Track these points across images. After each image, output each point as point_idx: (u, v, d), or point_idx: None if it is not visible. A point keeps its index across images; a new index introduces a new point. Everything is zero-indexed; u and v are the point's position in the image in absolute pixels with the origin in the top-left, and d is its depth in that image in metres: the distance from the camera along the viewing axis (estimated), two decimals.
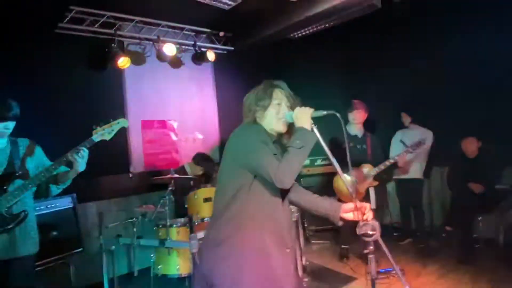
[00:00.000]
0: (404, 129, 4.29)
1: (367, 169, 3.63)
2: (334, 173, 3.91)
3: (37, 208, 3.19)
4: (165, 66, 4.66)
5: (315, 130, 1.54)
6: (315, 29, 4.64)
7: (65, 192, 3.38)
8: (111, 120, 2.16)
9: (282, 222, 1.55)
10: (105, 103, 4.11)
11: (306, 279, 3.31)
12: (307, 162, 5.08)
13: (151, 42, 4.49)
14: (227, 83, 5.27)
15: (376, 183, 3.67)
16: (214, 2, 3.68)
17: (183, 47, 4.80)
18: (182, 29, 4.73)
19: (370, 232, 1.40)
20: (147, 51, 4.51)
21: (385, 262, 3.53)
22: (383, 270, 3.39)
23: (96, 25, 4.03)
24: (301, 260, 3.35)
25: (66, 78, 3.86)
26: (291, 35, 4.79)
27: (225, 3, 3.76)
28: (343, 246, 4.00)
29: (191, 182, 3.80)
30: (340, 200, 3.44)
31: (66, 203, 3.45)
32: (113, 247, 2.99)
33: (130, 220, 3.23)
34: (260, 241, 1.47)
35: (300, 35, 4.82)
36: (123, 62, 4.09)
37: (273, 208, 1.53)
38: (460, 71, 4.01)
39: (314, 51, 5.13)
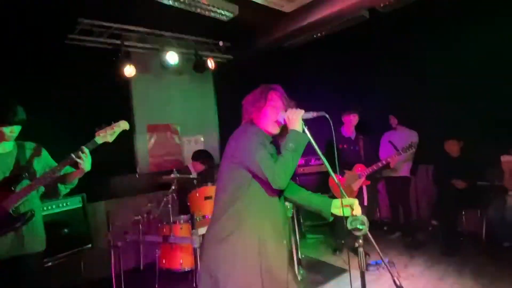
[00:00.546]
0: (391, 130, 4.28)
1: (359, 169, 3.64)
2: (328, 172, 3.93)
3: (48, 208, 3.21)
4: (169, 73, 4.65)
5: (306, 131, 1.52)
6: (309, 38, 4.64)
7: (75, 192, 3.40)
8: (113, 122, 2.13)
9: (279, 217, 1.55)
10: (114, 109, 4.07)
11: (301, 272, 3.28)
12: (302, 162, 5.07)
13: (155, 51, 4.48)
14: (226, 89, 5.25)
15: (368, 182, 3.68)
16: (213, 14, 3.68)
17: (185, 55, 4.79)
18: (184, 38, 4.72)
19: (359, 227, 1.38)
20: (152, 60, 4.49)
21: (375, 255, 3.52)
22: (374, 262, 3.37)
23: (104, 36, 4.02)
24: (297, 253, 3.34)
25: (76, 86, 3.84)
26: (287, 44, 4.80)
27: (224, 15, 3.76)
28: (338, 240, 3.99)
29: (194, 182, 3.79)
30: (334, 197, 3.44)
31: (76, 202, 3.44)
32: (119, 243, 2.96)
33: (136, 218, 3.20)
34: (259, 237, 1.47)
35: (295, 44, 4.82)
36: (129, 70, 4.08)
37: (271, 205, 1.52)
38: (442, 75, 4.01)
39: (309, 59, 5.12)
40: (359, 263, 1.40)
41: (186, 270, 3.10)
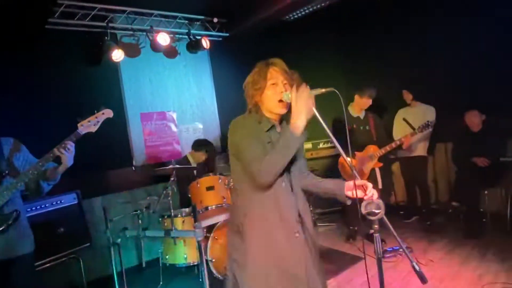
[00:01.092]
0: (406, 107, 4.22)
1: (372, 150, 3.60)
2: (338, 155, 3.92)
3: (42, 206, 3.24)
4: (160, 56, 4.58)
5: (314, 110, 1.48)
6: (310, 9, 4.52)
7: (69, 189, 3.43)
8: (96, 111, 2.12)
9: (289, 209, 1.54)
10: (102, 98, 4.06)
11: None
12: (310, 145, 5.05)
13: (144, 33, 4.41)
14: (224, 70, 5.20)
15: (380, 164, 3.65)
16: None
17: (177, 36, 4.72)
18: (175, 17, 4.63)
19: (375, 211, 1.36)
20: (141, 42, 4.42)
21: (392, 241, 3.54)
22: (390, 249, 3.38)
23: (87, 19, 3.95)
24: None
25: (59, 75, 3.81)
26: (286, 17, 4.68)
27: None
28: (351, 227, 4.00)
29: (194, 172, 3.79)
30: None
31: (71, 199, 3.46)
32: (119, 240, 2.99)
33: (135, 212, 3.23)
34: (264, 230, 1.51)
35: (295, 16, 4.70)
36: (117, 54, 4.03)
37: (277, 196, 1.52)
38: (461, 43, 3.90)
39: (310, 33, 5.03)
40: (375, 249, 1.39)
41: (191, 264, 3.14)
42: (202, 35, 4.75)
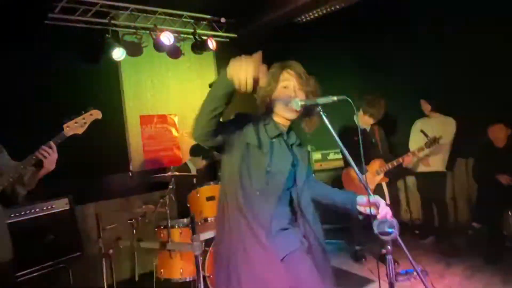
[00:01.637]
0: (424, 118, 4.20)
1: (377, 165, 3.64)
2: (347, 167, 3.93)
3: (32, 211, 3.25)
4: (164, 56, 4.63)
5: (324, 118, 1.48)
6: (324, 11, 4.56)
7: (61, 193, 3.45)
8: (83, 112, 2.14)
9: (266, 215, 1.49)
10: (101, 98, 4.10)
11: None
12: (319, 156, 5.02)
13: (147, 32, 4.46)
14: None
15: (387, 179, 3.68)
16: None
17: (182, 35, 4.76)
18: (180, 16, 4.69)
19: (388, 230, 1.34)
20: (144, 41, 4.47)
21: (406, 263, 3.47)
22: (404, 271, 3.31)
23: (89, 15, 4.01)
24: None
25: (55, 72, 3.86)
26: (298, 18, 4.72)
27: None
28: (357, 247, 3.96)
29: (194, 180, 3.79)
30: None
31: (62, 204, 3.47)
32: (111, 250, 2.98)
33: (129, 221, 3.23)
34: (237, 236, 1.49)
35: (308, 18, 4.73)
36: (118, 53, 4.07)
37: (256, 202, 1.49)
38: (484, 51, 3.87)
39: (323, 36, 5.03)
40: (387, 272, 1.37)
41: (187, 280, 3.11)
42: (208, 36, 4.79)
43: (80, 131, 2.10)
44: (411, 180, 4.74)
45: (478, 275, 3.30)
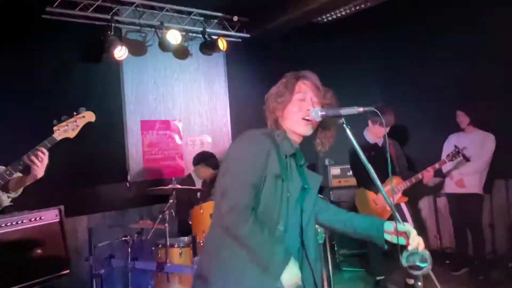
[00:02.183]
0: (459, 132, 4.12)
1: (394, 183, 3.64)
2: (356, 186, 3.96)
3: (19, 222, 3.24)
4: (169, 57, 4.66)
5: (348, 132, 1.44)
6: (348, 11, 4.54)
7: (51, 204, 3.44)
8: (74, 113, 2.15)
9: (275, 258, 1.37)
10: (99, 100, 4.12)
11: None
12: (338, 171, 4.95)
13: (153, 29, 4.50)
14: (241, 76, 5.23)
15: (406, 198, 3.67)
16: None
17: (190, 34, 4.79)
18: (189, 13, 4.73)
19: (419, 264, 1.29)
20: (149, 40, 4.52)
21: None
22: None
23: (90, 10, 4.07)
24: None
25: (51, 71, 3.90)
26: (318, 18, 4.72)
27: None
28: (377, 278, 3.87)
29: (198, 194, 3.75)
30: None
31: (52, 216, 3.45)
32: (102, 270, 2.95)
33: (124, 238, 3.19)
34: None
35: (329, 19, 4.72)
36: (120, 52, 4.10)
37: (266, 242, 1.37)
38: None
39: (344, 38, 5.03)
40: None
41: None
42: (218, 35, 4.81)
43: (72, 134, 2.11)
44: (442, 202, 4.63)
45: None
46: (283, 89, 1.54)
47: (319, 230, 2.89)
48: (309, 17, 4.57)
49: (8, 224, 3.12)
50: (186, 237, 3.30)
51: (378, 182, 1.48)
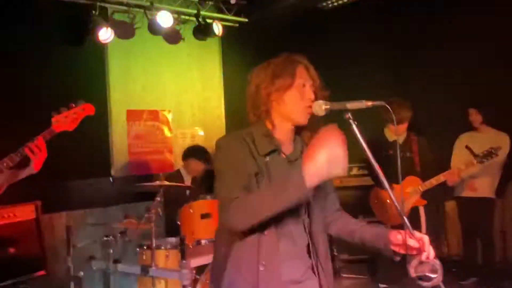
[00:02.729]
0: (471, 131, 4.14)
1: (413, 183, 3.61)
2: (372, 186, 3.97)
3: None
4: (159, 41, 4.62)
5: (355, 128, 1.41)
6: None
7: (27, 199, 3.42)
8: (73, 105, 2.14)
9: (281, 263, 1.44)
10: (81, 87, 4.10)
11: None
12: None
13: (142, 10, 4.46)
14: (238, 65, 5.21)
15: (424, 201, 3.65)
16: None
17: (183, 17, 4.75)
18: None
19: (430, 275, 1.30)
20: (137, 22, 4.46)
21: None
22: None
23: None
24: None
25: (28, 55, 3.86)
26: (323, 3, 4.70)
27: None
28: (381, 286, 3.92)
29: (187, 192, 3.75)
30: (380, 222, 3.38)
31: (27, 212, 3.45)
32: (81, 272, 2.94)
33: (106, 238, 3.19)
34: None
35: (334, 4, 4.72)
36: (106, 34, 4.07)
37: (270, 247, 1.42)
38: None
39: (351, 25, 5.02)
40: None
41: None
42: (214, 19, 4.79)
43: (70, 127, 2.12)
44: (450, 205, 4.66)
45: None
46: (280, 71, 1.49)
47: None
48: (311, 1, 4.56)
49: None
50: (173, 238, 3.28)
51: (386, 183, 1.46)
